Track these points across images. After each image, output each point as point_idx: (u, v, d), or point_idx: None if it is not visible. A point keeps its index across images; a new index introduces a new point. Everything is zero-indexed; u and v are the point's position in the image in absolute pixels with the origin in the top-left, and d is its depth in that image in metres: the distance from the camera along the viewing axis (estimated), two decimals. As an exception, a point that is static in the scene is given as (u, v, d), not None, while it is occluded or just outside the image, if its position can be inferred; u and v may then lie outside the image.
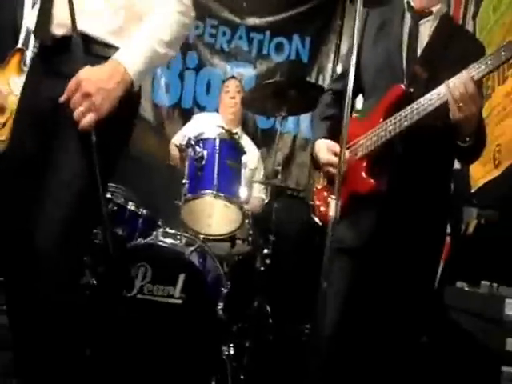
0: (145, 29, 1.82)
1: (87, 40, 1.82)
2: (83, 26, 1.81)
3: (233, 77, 4.65)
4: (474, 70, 1.92)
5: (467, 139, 2.03)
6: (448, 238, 3.24)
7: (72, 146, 1.72)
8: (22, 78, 3.29)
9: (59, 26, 1.85)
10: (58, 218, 1.67)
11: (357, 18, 1.82)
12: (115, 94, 1.70)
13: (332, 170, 2.29)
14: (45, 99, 1.82)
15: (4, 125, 3.34)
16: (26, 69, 3.40)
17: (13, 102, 3.34)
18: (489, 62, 1.90)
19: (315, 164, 2.46)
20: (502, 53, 1.87)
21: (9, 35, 3.46)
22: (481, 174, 3.71)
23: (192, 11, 1.97)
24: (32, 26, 3.37)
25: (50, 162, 1.75)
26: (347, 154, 2.22)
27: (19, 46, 3.44)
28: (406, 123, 2.06)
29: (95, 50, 1.84)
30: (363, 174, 2.20)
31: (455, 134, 2.04)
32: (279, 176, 3.80)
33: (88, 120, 1.64)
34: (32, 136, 1.84)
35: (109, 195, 3.08)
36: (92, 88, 1.65)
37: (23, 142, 1.86)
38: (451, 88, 1.94)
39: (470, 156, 2.25)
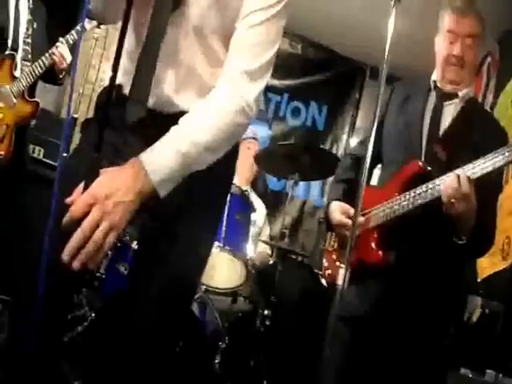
0: (186, 124, 1.62)
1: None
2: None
3: (255, 138, 4.86)
4: (483, 164, 2.05)
5: (462, 237, 2.14)
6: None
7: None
8: (14, 86, 3.39)
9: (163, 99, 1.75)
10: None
11: (380, 91, 1.99)
12: (133, 206, 1.52)
13: (344, 231, 2.40)
14: None
15: (2, 140, 3.38)
16: (17, 74, 3.43)
17: (7, 115, 3.38)
18: (506, 154, 2.02)
19: (328, 226, 2.57)
20: None
21: None
22: (488, 263, 3.86)
23: (254, 110, 1.71)
24: (23, 17, 3.46)
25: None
26: (360, 220, 2.32)
27: (8, 51, 3.43)
28: (419, 201, 2.19)
29: None
30: (373, 245, 2.32)
31: (451, 230, 2.15)
32: (286, 239, 3.94)
33: (110, 241, 1.47)
34: None
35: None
36: (111, 205, 1.47)
37: None
38: (445, 184, 2.07)
39: (468, 254, 2.33)
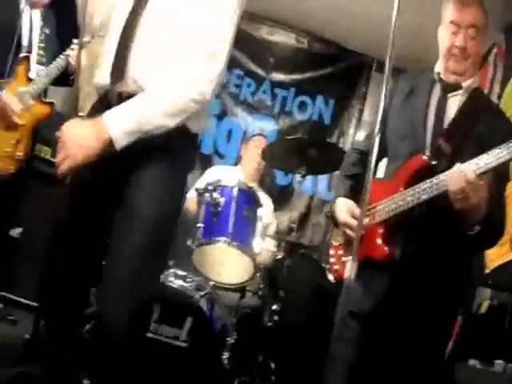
0: (145, 93, 2.05)
1: None
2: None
3: (262, 135, 4.89)
4: (489, 158, 2.02)
5: (475, 228, 2.12)
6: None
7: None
8: (31, 88, 3.45)
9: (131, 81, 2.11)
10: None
11: (384, 86, 1.95)
12: (90, 151, 1.98)
13: (348, 231, 2.41)
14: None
15: (18, 141, 3.44)
16: (32, 76, 3.49)
17: (24, 116, 3.43)
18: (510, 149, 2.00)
19: (334, 222, 2.57)
20: None
21: (10, 45, 3.41)
22: (497, 255, 3.84)
23: (208, 93, 2.11)
24: (37, 24, 3.59)
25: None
26: (365, 221, 2.33)
27: (23, 53, 3.49)
28: (424, 196, 2.18)
29: None
30: (379, 241, 2.31)
31: (461, 223, 2.13)
32: (293, 233, 3.95)
33: (63, 168, 1.98)
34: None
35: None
36: (67, 142, 1.98)
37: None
38: (450, 180, 2.06)
39: (479, 244, 2.33)
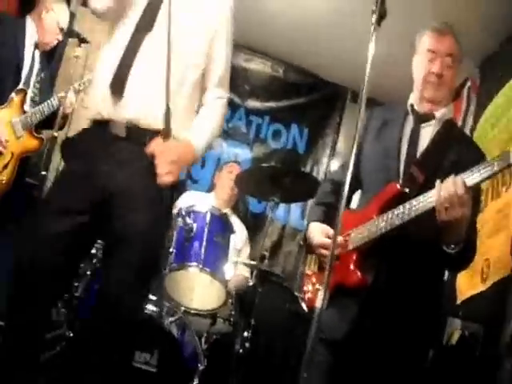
0: (209, 118, 2.47)
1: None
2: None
3: (237, 162, 4.94)
4: (466, 177, 2.05)
5: (453, 246, 2.15)
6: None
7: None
8: (23, 119, 3.61)
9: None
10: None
11: (360, 116, 1.97)
12: (185, 168, 2.40)
13: (324, 251, 2.42)
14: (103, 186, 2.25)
15: (6, 166, 3.57)
16: (27, 108, 3.69)
17: (13, 144, 3.60)
18: (482, 171, 2.04)
19: (307, 248, 2.60)
20: (496, 163, 2.00)
21: (9, 74, 3.66)
22: (467, 286, 3.90)
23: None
24: (36, 65, 3.75)
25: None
26: (339, 240, 2.34)
27: (21, 86, 3.68)
28: (396, 222, 2.21)
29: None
30: (352, 267, 2.33)
31: (441, 239, 2.16)
32: (266, 261, 3.97)
33: (169, 179, 2.22)
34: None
35: (94, 251, 3.23)
36: (176, 158, 2.26)
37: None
38: (440, 188, 2.08)
39: (455, 264, 2.38)
